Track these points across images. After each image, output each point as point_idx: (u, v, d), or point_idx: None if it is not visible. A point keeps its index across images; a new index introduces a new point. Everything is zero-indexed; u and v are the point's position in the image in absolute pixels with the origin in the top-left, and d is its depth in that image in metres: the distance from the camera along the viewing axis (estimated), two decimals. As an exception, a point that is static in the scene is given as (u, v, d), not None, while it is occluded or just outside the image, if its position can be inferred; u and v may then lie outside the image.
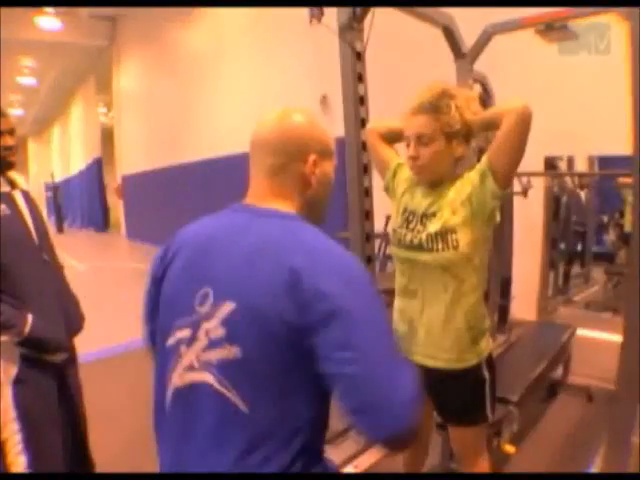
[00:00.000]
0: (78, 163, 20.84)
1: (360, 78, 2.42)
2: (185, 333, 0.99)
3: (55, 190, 21.32)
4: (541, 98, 4.29)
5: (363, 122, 2.42)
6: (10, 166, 2.04)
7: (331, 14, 2.38)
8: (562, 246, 5.39)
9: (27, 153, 31.06)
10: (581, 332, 3.71)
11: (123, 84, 15.72)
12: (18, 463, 1.87)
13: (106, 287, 8.52)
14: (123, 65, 15.42)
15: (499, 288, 4.04)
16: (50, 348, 1.98)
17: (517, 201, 4.20)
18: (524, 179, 4.09)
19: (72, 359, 2.17)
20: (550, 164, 4.76)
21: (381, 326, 0.96)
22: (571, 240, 5.59)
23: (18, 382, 1.89)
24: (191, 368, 0.97)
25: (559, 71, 4.17)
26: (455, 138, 1.60)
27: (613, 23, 2.88)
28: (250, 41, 8.88)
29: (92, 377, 2.38)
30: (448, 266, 1.60)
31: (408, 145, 1.65)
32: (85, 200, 20.11)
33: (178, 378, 0.99)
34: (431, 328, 1.67)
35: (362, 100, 2.44)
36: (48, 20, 12.78)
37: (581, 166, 4.96)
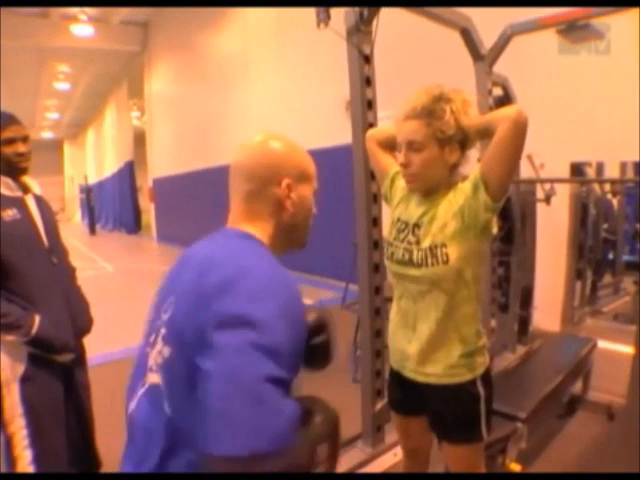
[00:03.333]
0: (111, 166, 21.20)
1: (368, 82, 2.36)
2: (152, 338, 1.03)
3: (88, 192, 21.70)
4: (567, 102, 4.23)
5: (371, 127, 2.37)
6: (23, 172, 2.11)
7: (339, 18, 2.33)
8: (591, 255, 5.22)
9: (63, 155, 31.77)
10: (605, 345, 3.56)
11: (154, 89, 15.95)
12: (24, 457, 1.96)
13: (132, 288, 8.62)
14: (154, 70, 15.65)
15: (519, 298, 3.92)
16: (56, 348, 2.05)
17: (541, 208, 4.09)
18: (547, 186, 3.97)
19: (80, 360, 2.26)
20: (578, 170, 4.62)
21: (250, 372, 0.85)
22: (600, 249, 5.41)
23: (25, 380, 1.97)
24: (151, 370, 1.00)
25: (585, 73, 4.04)
26: (448, 144, 1.52)
27: (613, 23, 2.77)
28: (277, 46, 8.92)
29: (111, 377, 2.39)
30: (438, 281, 1.54)
31: (400, 152, 1.59)
32: (117, 202, 20.45)
33: (146, 379, 1.02)
34: (422, 344, 1.61)
35: (370, 104, 2.39)
36: (82, 27, 13.06)
37: (613, 172, 4.79)
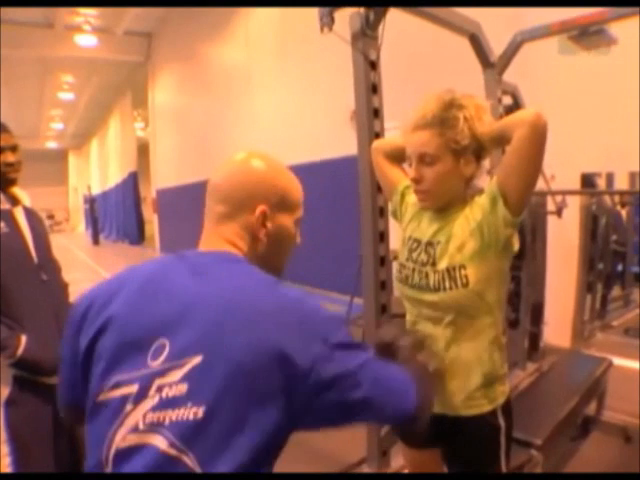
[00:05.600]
0: (115, 176, 21.22)
1: (374, 89, 2.26)
2: (131, 389, 0.85)
3: (92, 202, 21.74)
4: (577, 111, 4.13)
5: (377, 137, 2.26)
6: (12, 183, 2.02)
7: (344, 22, 2.23)
8: (600, 267, 5.10)
9: (67, 166, 31.86)
10: (618, 362, 3.43)
11: (158, 99, 15.94)
12: None
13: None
14: (158, 81, 15.65)
15: (530, 314, 3.80)
16: (44, 370, 1.93)
17: (551, 221, 3.98)
18: (558, 198, 3.86)
19: None
20: (588, 181, 4.51)
21: (365, 358, 0.95)
22: (610, 261, 5.29)
23: (10, 404, 1.88)
24: (136, 429, 0.83)
25: (593, 81, 3.95)
26: (464, 155, 1.39)
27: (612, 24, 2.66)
28: (281, 57, 8.87)
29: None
30: (457, 306, 1.41)
31: (411, 165, 1.46)
32: (121, 213, 20.45)
33: (121, 439, 0.84)
34: None
35: (376, 113, 2.28)
36: (86, 37, 13.09)
37: (622, 183, 4.70)
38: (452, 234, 1.43)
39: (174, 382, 0.82)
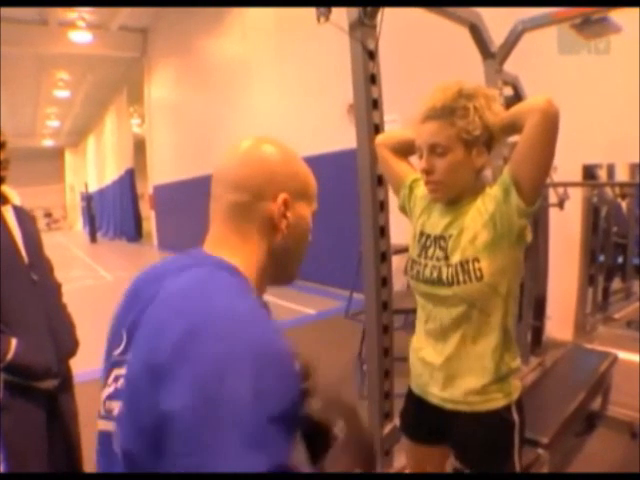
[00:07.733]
0: (112, 173, 21.13)
1: (373, 79, 2.20)
2: (103, 378, 0.87)
3: (89, 200, 21.67)
4: (578, 102, 4.07)
5: (377, 128, 2.20)
6: (0, 181, 1.95)
7: (341, 12, 2.18)
8: (601, 259, 5.06)
9: (64, 163, 31.73)
10: (623, 355, 3.38)
11: (154, 95, 15.86)
12: None
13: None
14: (154, 77, 15.56)
15: (533, 308, 3.75)
16: (37, 375, 1.88)
17: (553, 213, 3.93)
18: (560, 190, 3.80)
19: (66, 384, 2.07)
20: (589, 173, 4.46)
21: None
22: (611, 253, 5.25)
23: (1, 410, 1.79)
24: (99, 415, 0.85)
25: (594, 73, 3.90)
26: (475, 146, 1.36)
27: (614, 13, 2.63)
28: (278, 51, 8.80)
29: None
30: (471, 300, 1.38)
31: (421, 157, 1.42)
32: (118, 210, 20.35)
33: (98, 423, 0.87)
34: (453, 369, 1.45)
35: (375, 104, 2.22)
36: (80, 34, 12.98)
37: (622, 174, 4.65)
38: (464, 227, 1.40)
39: (122, 375, 0.80)
